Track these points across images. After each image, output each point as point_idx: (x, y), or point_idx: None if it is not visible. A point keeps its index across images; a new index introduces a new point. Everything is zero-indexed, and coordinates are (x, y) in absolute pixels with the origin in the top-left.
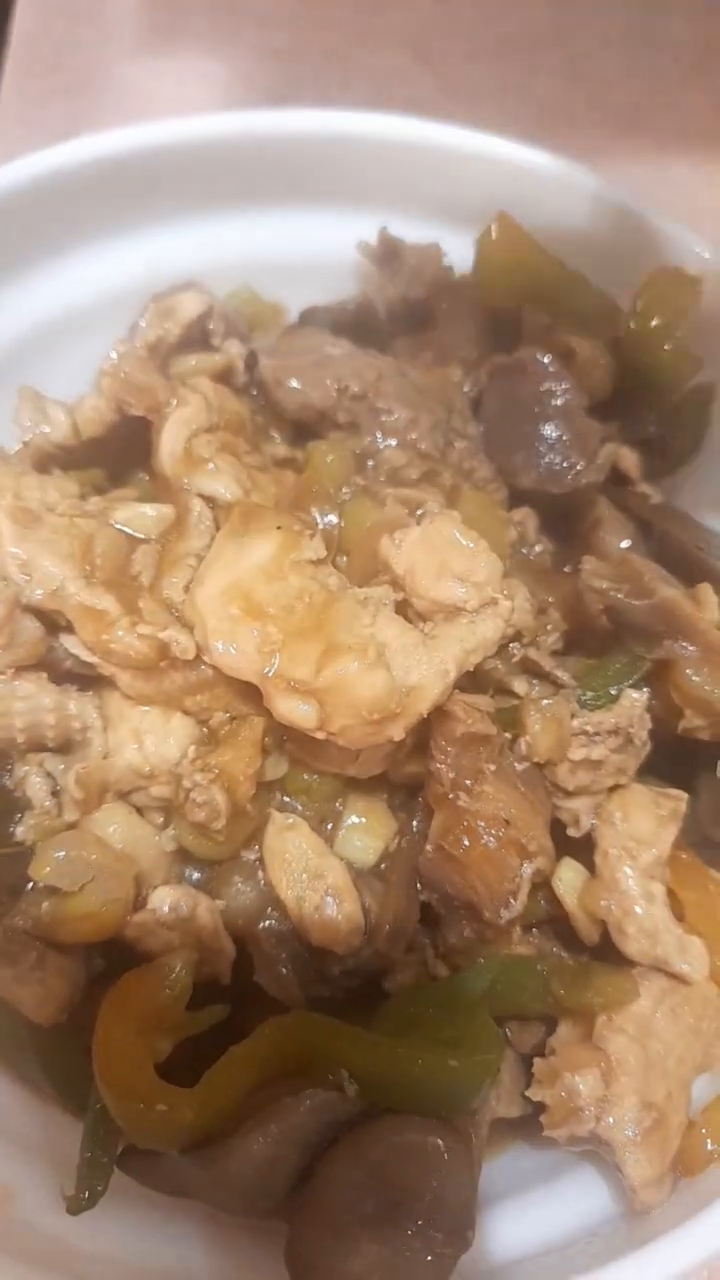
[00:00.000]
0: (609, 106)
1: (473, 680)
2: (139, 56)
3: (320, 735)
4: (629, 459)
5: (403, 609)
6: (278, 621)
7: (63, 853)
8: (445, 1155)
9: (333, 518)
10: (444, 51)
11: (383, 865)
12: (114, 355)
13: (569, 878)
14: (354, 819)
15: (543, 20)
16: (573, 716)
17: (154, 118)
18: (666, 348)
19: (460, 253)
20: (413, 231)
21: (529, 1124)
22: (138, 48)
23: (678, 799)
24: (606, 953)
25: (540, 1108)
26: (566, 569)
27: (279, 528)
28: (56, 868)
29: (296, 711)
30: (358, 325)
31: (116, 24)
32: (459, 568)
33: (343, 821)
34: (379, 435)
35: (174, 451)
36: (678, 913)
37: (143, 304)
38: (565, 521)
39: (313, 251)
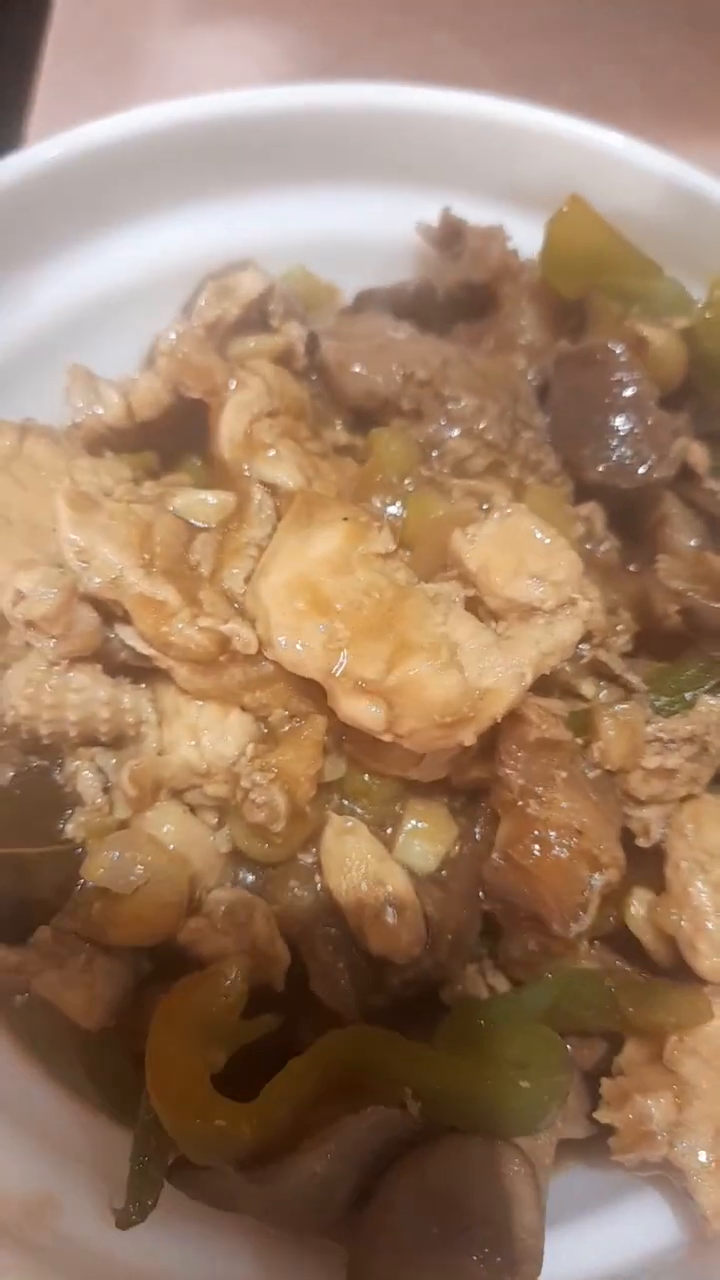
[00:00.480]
0: (663, 88)
1: (540, 682)
2: (181, 30)
3: (387, 738)
4: (698, 453)
5: (473, 606)
6: (345, 617)
7: (116, 853)
8: (513, 1180)
9: (395, 509)
10: (492, 31)
11: (443, 872)
12: (172, 335)
13: (639, 910)
14: (414, 823)
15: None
16: (646, 723)
17: (196, 92)
18: None
19: (524, 236)
20: (475, 213)
21: (587, 1145)
22: (180, 21)
23: None
24: (676, 970)
25: (605, 1129)
26: (631, 567)
27: (346, 519)
28: (110, 869)
29: (364, 712)
30: (416, 309)
31: None
32: (536, 566)
33: (402, 826)
34: (444, 424)
35: (234, 436)
36: None
37: (192, 283)
38: (629, 517)
39: (370, 232)
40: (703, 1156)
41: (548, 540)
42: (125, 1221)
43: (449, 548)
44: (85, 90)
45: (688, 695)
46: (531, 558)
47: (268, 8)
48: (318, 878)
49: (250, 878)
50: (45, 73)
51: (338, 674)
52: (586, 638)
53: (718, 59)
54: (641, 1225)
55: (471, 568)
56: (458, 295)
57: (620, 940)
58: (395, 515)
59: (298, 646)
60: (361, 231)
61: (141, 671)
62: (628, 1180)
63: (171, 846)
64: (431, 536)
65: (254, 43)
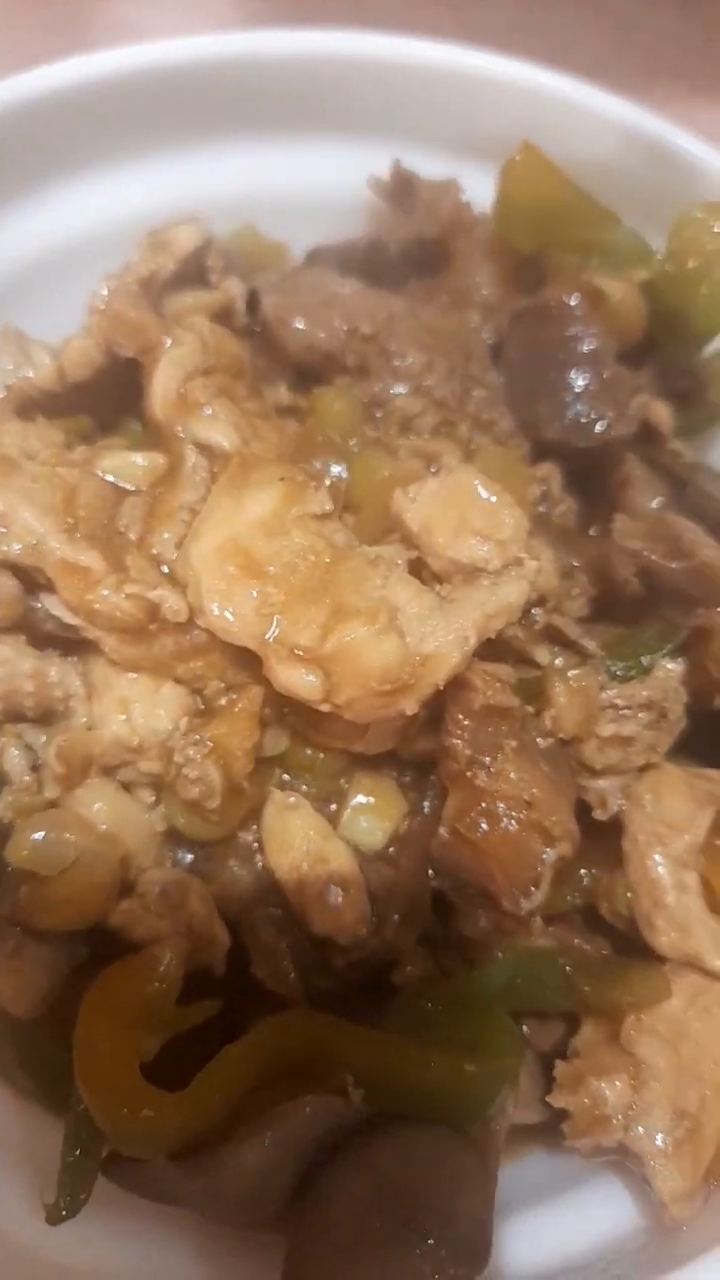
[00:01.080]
0: (634, 48)
1: (491, 648)
2: None
3: (325, 708)
4: (661, 412)
5: (416, 569)
6: (279, 581)
7: (41, 834)
8: (459, 1168)
9: (340, 470)
10: (488, 10)
11: (391, 849)
12: (103, 292)
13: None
14: (360, 798)
15: None
16: (601, 689)
17: None
18: (703, 291)
19: (479, 189)
20: (428, 166)
21: (546, 1129)
22: None
23: (715, 780)
24: (633, 947)
25: (560, 1113)
26: (591, 531)
27: (282, 479)
28: (35, 850)
29: (300, 681)
30: (368, 266)
31: None
32: (480, 524)
33: (348, 801)
34: (390, 381)
35: (166, 395)
36: (713, 905)
37: (134, 243)
38: (590, 479)
39: (320, 187)
40: (659, 1140)
41: (492, 498)
42: (55, 1217)
43: (390, 508)
44: (37, 50)
45: (645, 660)
46: (475, 516)
47: None
48: (258, 857)
49: (188, 857)
50: None
51: (271, 641)
52: (539, 602)
53: (687, 18)
54: (600, 1213)
55: (413, 528)
56: (411, 251)
57: (579, 916)
58: (339, 476)
59: (229, 613)
60: (312, 187)
61: (69, 643)
62: (587, 1166)
63: (103, 826)
64: (375, 498)
65: (213, 3)
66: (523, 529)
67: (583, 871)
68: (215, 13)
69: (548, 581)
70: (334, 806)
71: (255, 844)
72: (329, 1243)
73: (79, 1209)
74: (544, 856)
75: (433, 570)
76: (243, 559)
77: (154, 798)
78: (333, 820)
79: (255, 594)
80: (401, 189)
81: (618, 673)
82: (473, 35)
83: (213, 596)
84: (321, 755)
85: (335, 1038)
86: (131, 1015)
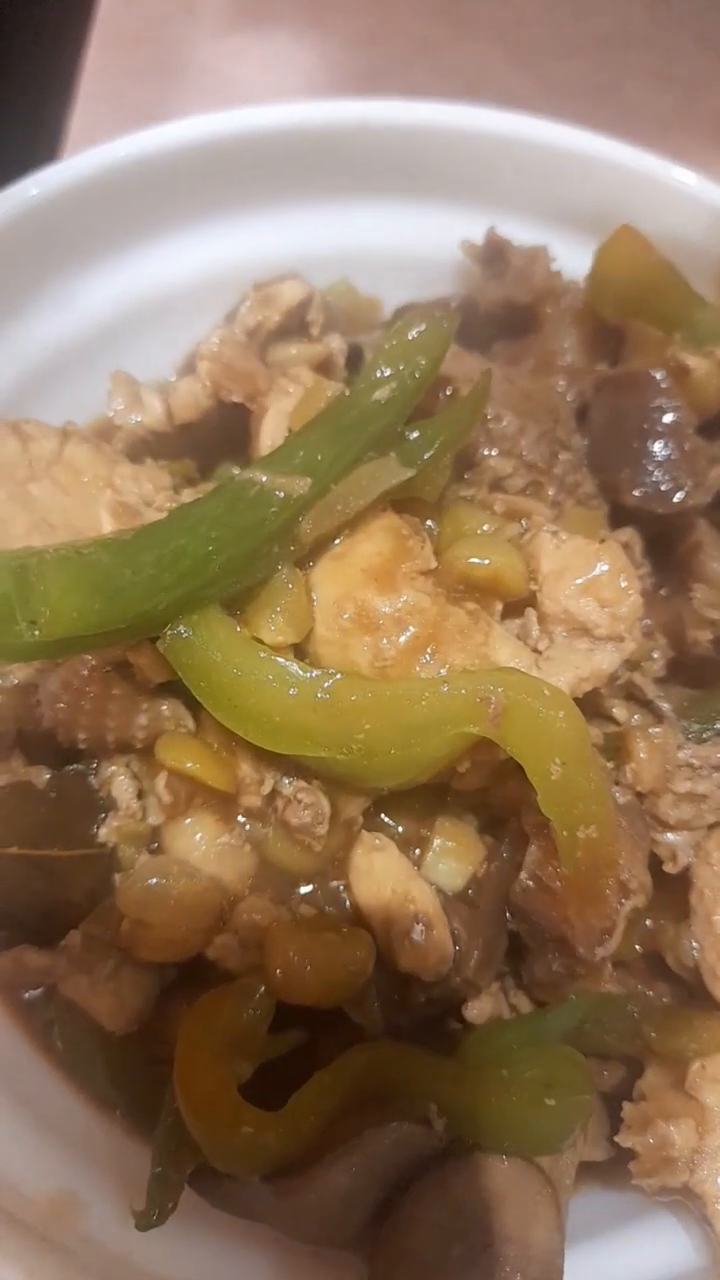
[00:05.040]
0: (700, 111)
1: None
2: (224, 37)
3: None
4: None
5: (515, 607)
6: (390, 634)
7: (155, 881)
8: (535, 1200)
9: (431, 524)
10: (535, 47)
11: (470, 891)
12: (214, 339)
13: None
14: (442, 842)
15: (638, 19)
16: (678, 748)
17: (237, 101)
18: None
19: (566, 258)
20: (516, 232)
21: (605, 1167)
22: (224, 28)
23: None
24: (694, 995)
25: (623, 1152)
26: (662, 592)
27: (391, 534)
28: (144, 900)
29: None
30: (457, 327)
31: (203, 3)
32: (606, 594)
33: (430, 846)
34: (484, 441)
35: (276, 443)
36: None
37: (233, 294)
38: (661, 543)
39: (412, 248)
40: None
41: (623, 579)
42: (145, 1223)
43: (528, 548)
44: (126, 91)
45: (718, 724)
46: (604, 584)
47: (311, 18)
48: (345, 897)
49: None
50: (87, 70)
51: None
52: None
53: None
54: (658, 1250)
55: (545, 567)
56: (498, 314)
57: (641, 963)
58: (432, 530)
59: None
60: (404, 246)
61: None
62: (644, 1204)
63: (204, 866)
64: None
65: (296, 52)
66: (638, 615)
67: (648, 921)
68: (294, 62)
69: (634, 649)
70: (417, 852)
71: (343, 887)
72: (412, 1266)
73: (167, 1217)
74: (619, 907)
75: (543, 611)
76: (356, 612)
77: (250, 830)
78: (415, 864)
79: (367, 647)
80: (494, 254)
81: (694, 734)
82: (549, 96)
83: (329, 648)
84: (410, 794)
85: (420, 1069)
86: (227, 1040)
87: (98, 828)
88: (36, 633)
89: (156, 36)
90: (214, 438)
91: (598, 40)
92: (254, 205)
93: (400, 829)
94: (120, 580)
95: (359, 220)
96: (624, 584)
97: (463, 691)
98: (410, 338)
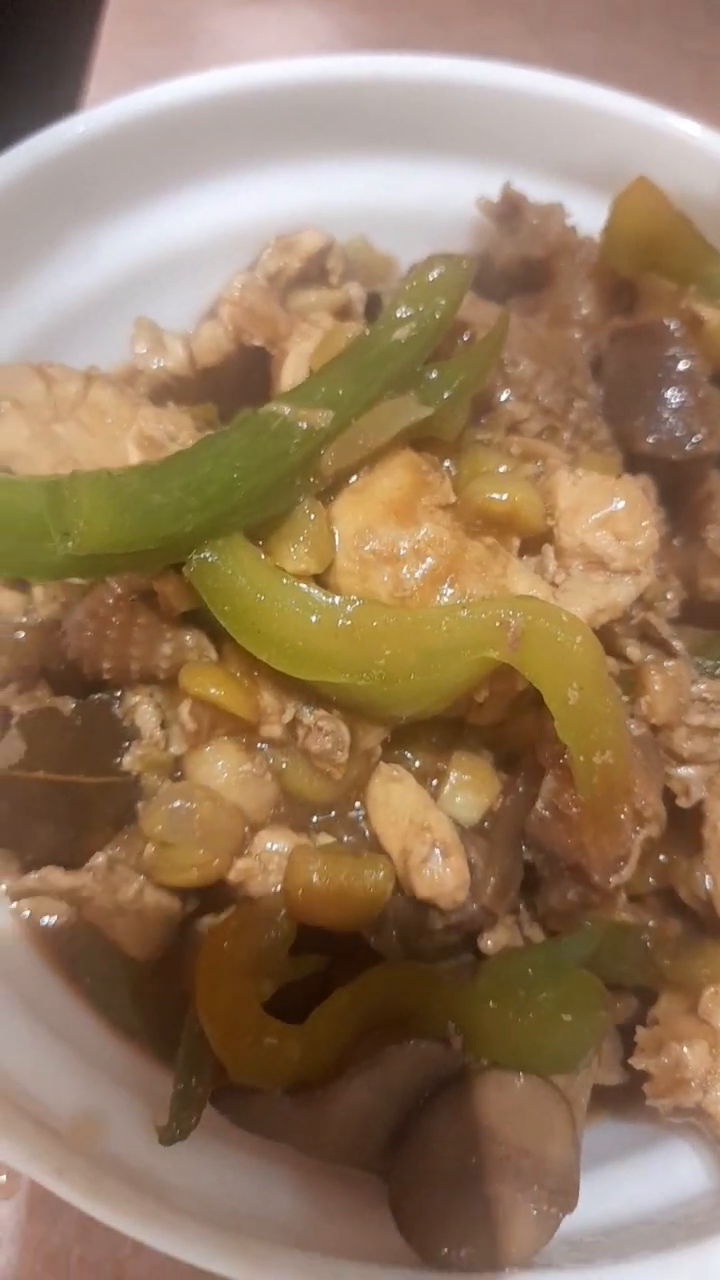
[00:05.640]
0: (714, 85)
1: None
2: (239, 7)
3: None
4: None
5: (532, 545)
6: (410, 565)
7: (176, 803)
8: (550, 1116)
9: (449, 464)
10: (550, 21)
11: (486, 824)
12: (236, 285)
13: None
14: (458, 776)
15: None
16: (692, 683)
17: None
18: None
19: (581, 214)
20: (532, 189)
21: (616, 1097)
22: None
23: None
24: (707, 929)
25: (635, 1080)
26: (675, 542)
27: (410, 469)
28: (167, 823)
29: None
30: (473, 280)
31: None
32: (622, 527)
33: (446, 780)
34: (500, 385)
35: (297, 383)
36: None
37: (251, 248)
38: (674, 494)
39: (429, 205)
40: None
41: (641, 514)
42: (168, 1138)
43: (545, 484)
44: (141, 58)
45: None
46: (621, 518)
47: None
48: (364, 827)
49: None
50: (104, 37)
51: None
52: (637, 600)
53: None
54: (668, 1174)
55: (562, 503)
56: (513, 270)
57: (656, 900)
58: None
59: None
60: (420, 203)
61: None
62: (655, 1134)
63: (225, 787)
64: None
65: (312, 21)
66: (653, 547)
67: (661, 856)
68: (309, 31)
69: (650, 585)
70: (435, 784)
71: (362, 818)
72: (432, 1176)
73: (189, 1132)
74: (634, 836)
75: (560, 545)
76: (377, 543)
77: (271, 761)
78: (432, 796)
79: (388, 578)
80: (509, 210)
81: (706, 670)
82: (563, 68)
83: (349, 579)
84: (427, 728)
85: (438, 988)
86: (249, 959)
87: (121, 756)
88: (70, 544)
89: (171, 6)
90: (235, 382)
91: (613, 14)
92: (272, 161)
93: (417, 763)
94: (149, 502)
95: (375, 177)
96: (640, 518)
97: (482, 616)
98: (430, 279)
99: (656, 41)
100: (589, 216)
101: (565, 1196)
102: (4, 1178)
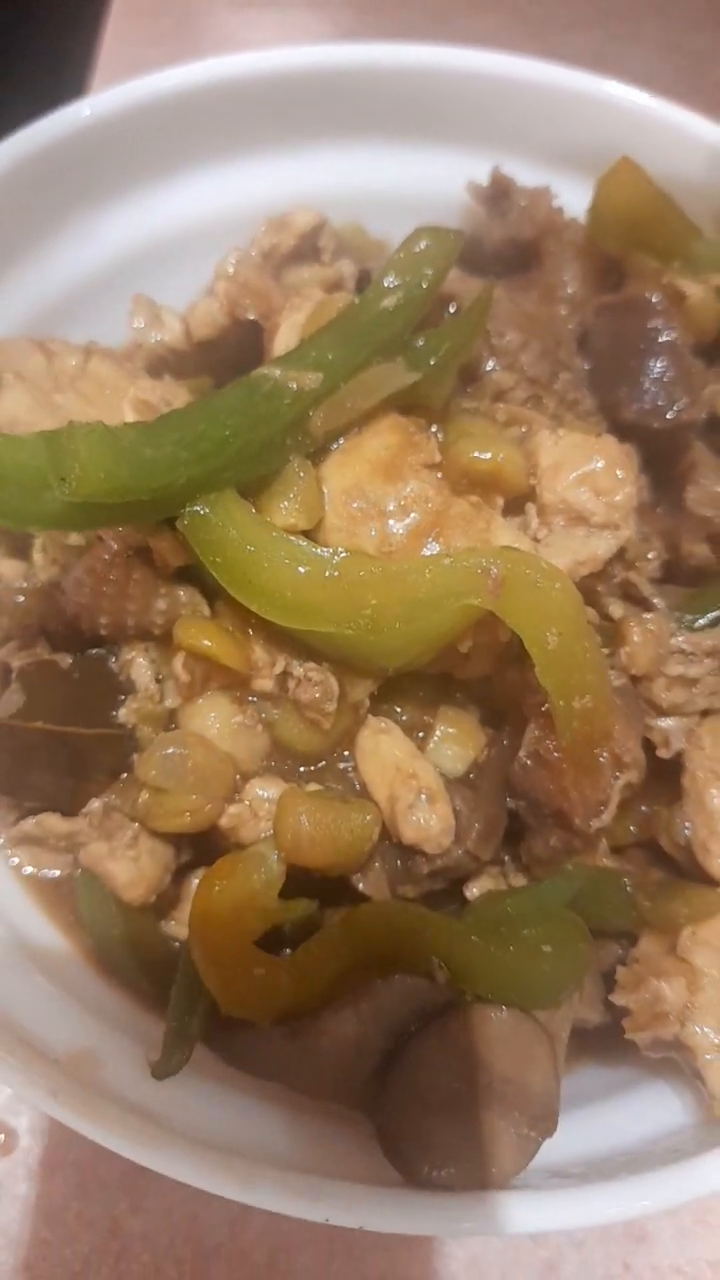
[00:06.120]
0: (702, 81)
1: None
2: (240, 9)
3: None
4: None
5: (516, 504)
6: (396, 520)
7: (170, 749)
8: (532, 1046)
9: (436, 431)
10: (545, 21)
11: (471, 775)
12: (231, 260)
13: None
14: (445, 729)
15: None
16: (671, 636)
17: None
18: None
19: (569, 197)
20: (521, 174)
21: (602, 1041)
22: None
23: None
24: (688, 877)
25: (617, 1024)
26: (659, 510)
27: (398, 430)
28: (161, 769)
29: None
30: (463, 261)
31: None
32: (602, 484)
33: (433, 733)
34: (487, 355)
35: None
36: None
37: (247, 231)
38: (658, 464)
39: (420, 189)
40: (714, 1038)
41: (620, 471)
42: (162, 1071)
43: (527, 445)
44: (144, 57)
45: (713, 614)
46: (600, 475)
47: None
48: (353, 776)
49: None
50: (107, 37)
51: None
52: (619, 556)
53: None
54: (649, 1111)
55: (544, 462)
56: (503, 251)
57: (640, 852)
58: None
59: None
60: (412, 188)
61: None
62: (640, 1075)
63: (219, 743)
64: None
65: (310, 23)
66: (632, 502)
67: (644, 808)
68: (308, 31)
69: (630, 543)
70: (421, 736)
71: (351, 769)
72: (417, 1101)
73: (181, 1067)
74: (614, 781)
75: (543, 502)
76: (364, 500)
77: (264, 715)
78: (419, 748)
79: (375, 532)
80: (499, 194)
81: (686, 622)
82: (554, 62)
83: (338, 535)
84: (415, 683)
85: (424, 924)
86: (240, 898)
87: (118, 709)
88: (66, 490)
89: (174, 7)
90: (231, 357)
91: (610, 14)
92: (268, 147)
93: (405, 716)
94: (144, 454)
95: (368, 163)
96: (620, 474)
97: (464, 565)
98: (418, 250)
99: (652, 39)
100: (577, 199)
101: (545, 1122)
102: (2, 1136)
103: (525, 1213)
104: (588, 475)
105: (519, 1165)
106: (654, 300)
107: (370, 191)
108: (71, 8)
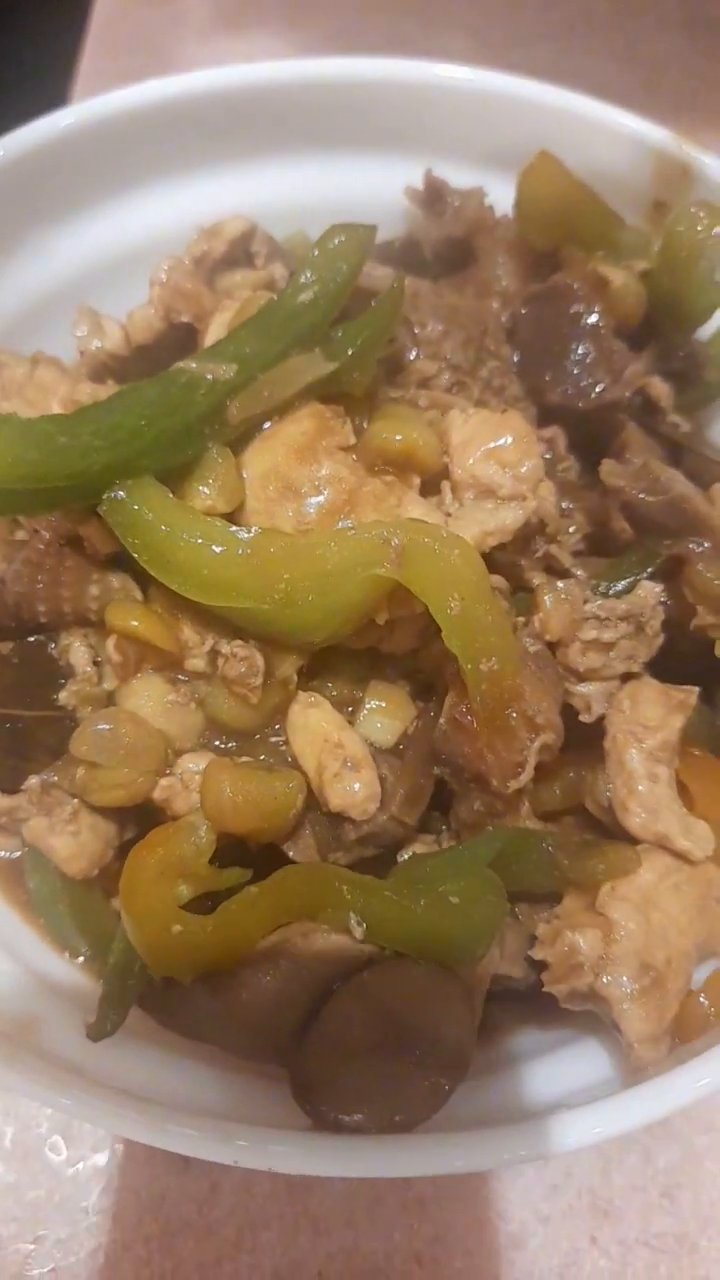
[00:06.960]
0: (665, 89)
1: (492, 568)
2: (209, 39)
3: None
4: (659, 388)
5: (432, 485)
6: (311, 499)
7: (104, 726)
8: (447, 999)
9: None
10: (505, 37)
11: (400, 746)
12: (164, 267)
13: None
14: (375, 703)
15: (601, 7)
16: (586, 602)
17: None
18: (694, 278)
19: (501, 196)
20: (458, 177)
21: (539, 1006)
22: (208, 31)
23: (688, 692)
24: (613, 838)
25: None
26: (592, 491)
27: (315, 416)
28: (94, 744)
29: None
30: (403, 263)
31: (190, 9)
32: (508, 457)
33: (364, 706)
34: (409, 345)
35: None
36: (687, 804)
37: None
38: (593, 446)
39: (361, 196)
40: (627, 986)
41: (526, 442)
42: (97, 1033)
43: (440, 426)
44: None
45: (627, 580)
46: (507, 450)
47: (289, 18)
48: (285, 750)
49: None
50: (82, 73)
51: None
52: (539, 530)
53: (715, 60)
54: (580, 1066)
55: (455, 439)
56: (442, 251)
57: (571, 819)
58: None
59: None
60: (354, 196)
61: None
62: (572, 1035)
63: (152, 720)
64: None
65: (277, 49)
66: (539, 473)
67: (572, 774)
68: (277, 56)
69: (549, 512)
70: (351, 710)
71: (283, 743)
72: (330, 1050)
73: (116, 1029)
74: (530, 742)
75: (453, 479)
76: (281, 483)
77: (196, 695)
78: (350, 720)
79: (291, 512)
80: (433, 196)
81: (602, 591)
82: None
83: (258, 518)
84: (345, 659)
85: (342, 882)
86: (168, 865)
87: (58, 693)
88: None
89: (147, 42)
90: (169, 360)
91: (565, 28)
92: (211, 163)
93: (335, 691)
94: (57, 441)
95: (309, 174)
96: (526, 447)
97: (367, 536)
98: (332, 246)
99: (609, 49)
100: (508, 199)
101: (456, 1069)
102: None
103: (432, 1156)
104: (495, 450)
105: (428, 1111)
106: (575, 286)
107: (314, 202)
108: (45, 43)
